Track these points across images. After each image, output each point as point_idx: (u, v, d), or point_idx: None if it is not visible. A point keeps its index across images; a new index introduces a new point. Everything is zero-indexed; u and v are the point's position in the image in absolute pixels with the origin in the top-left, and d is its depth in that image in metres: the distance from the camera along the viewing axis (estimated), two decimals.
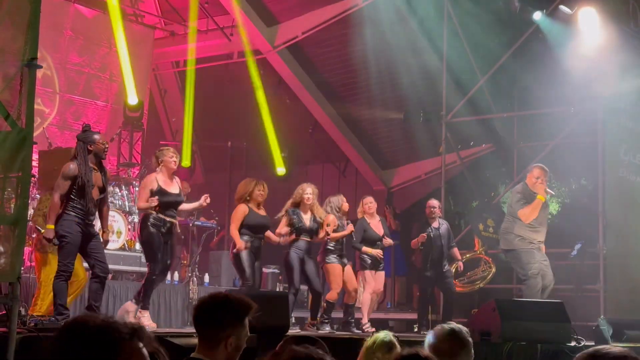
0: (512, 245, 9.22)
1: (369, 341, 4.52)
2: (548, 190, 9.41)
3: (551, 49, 11.83)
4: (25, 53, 5.55)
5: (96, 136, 7.35)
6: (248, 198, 8.64)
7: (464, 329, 3.92)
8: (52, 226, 7.08)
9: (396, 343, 4.43)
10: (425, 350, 3.77)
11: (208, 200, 8.37)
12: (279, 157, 14.37)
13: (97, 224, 7.60)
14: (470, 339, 3.89)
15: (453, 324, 3.94)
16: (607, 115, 11.16)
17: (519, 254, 9.16)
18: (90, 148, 7.22)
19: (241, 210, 8.61)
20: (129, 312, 8.01)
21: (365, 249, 9.53)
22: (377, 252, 9.54)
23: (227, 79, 15.21)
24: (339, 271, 9.13)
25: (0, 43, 5.90)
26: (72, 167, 7.09)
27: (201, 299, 3.51)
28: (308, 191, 9.10)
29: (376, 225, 9.78)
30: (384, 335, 4.51)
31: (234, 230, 8.59)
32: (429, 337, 3.86)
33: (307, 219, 9.02)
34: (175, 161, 8.23)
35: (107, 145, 7.41)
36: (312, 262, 9.05)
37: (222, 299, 3.41)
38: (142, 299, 8.08)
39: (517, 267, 9.50)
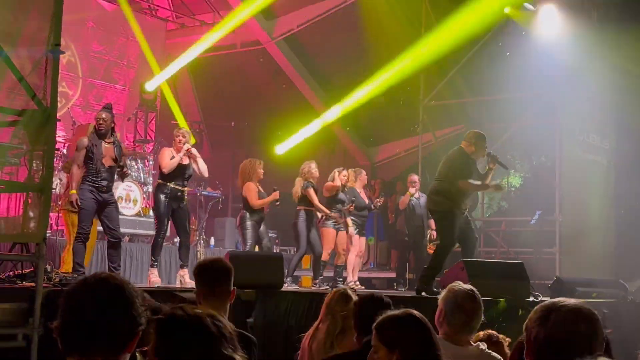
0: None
1: (328, 296, 4.21)
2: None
3: (518, 41, 11.78)
4: (50, 40, 5.54)
5: (99, 114, 7.32)
6: (253, 177, 8.71)
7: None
8: (74, 191, 7.08)
9: (352, 295, 4.10)
10: (441, 304, 3.42)
11: None
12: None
13: (117, 193, 7.57)
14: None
15: (462, 284, 3.49)
16: (565, 99, 11.18)
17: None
18: (94, 124, 7.27)
19: (254, 189, 8.75)
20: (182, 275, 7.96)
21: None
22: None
23: (231, 66, 15.12)
24: (332, 235, 9.20)
25: (30, 33, 5.91)
26: (84, 140, 7.16)
27: None
28: (313, 166, 9.18)
29: (364, 196, 9.90)
30: (342, 289, 4.25)
31: (255, 202, 8.68)
32: (450, 296, 3.40)
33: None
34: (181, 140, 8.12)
35: (100, 121, 7.12)
36: (315, 229, 9.17)
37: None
38: (151, 259, 8.03)
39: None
